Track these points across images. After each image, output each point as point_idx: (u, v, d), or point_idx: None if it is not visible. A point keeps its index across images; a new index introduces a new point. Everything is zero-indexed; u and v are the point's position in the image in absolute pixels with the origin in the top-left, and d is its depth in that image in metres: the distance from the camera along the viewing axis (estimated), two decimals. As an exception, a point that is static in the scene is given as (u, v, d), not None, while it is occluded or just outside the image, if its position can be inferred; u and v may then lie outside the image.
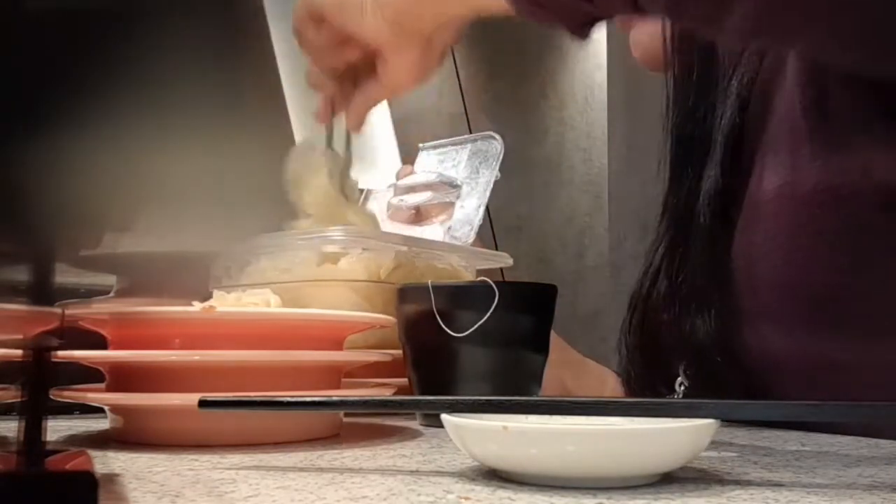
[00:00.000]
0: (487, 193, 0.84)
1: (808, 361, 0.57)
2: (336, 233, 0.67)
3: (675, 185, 0.68)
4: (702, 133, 0.66)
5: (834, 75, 0.56)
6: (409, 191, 0.88)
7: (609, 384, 0.83)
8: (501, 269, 0.84)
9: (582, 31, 0.56)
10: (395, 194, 0.89)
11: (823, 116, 0.57)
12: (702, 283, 0.63)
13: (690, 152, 0.66)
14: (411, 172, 0.91)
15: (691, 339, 0.64)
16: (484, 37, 3.43)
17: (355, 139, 0.73)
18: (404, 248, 0.71)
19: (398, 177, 0.92)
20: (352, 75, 0.69)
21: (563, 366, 0.78)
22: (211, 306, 0.48)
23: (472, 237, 0.83)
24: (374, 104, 0.70)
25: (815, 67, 0.57)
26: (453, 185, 0.86)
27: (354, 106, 0.69)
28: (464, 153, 0.88)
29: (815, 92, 0.57)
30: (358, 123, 0.70)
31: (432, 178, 0.87)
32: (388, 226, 0.87)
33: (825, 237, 0.56)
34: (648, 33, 0.69)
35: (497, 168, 0.85)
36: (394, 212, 0.88)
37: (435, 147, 0.92)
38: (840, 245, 0.56)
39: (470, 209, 0.84)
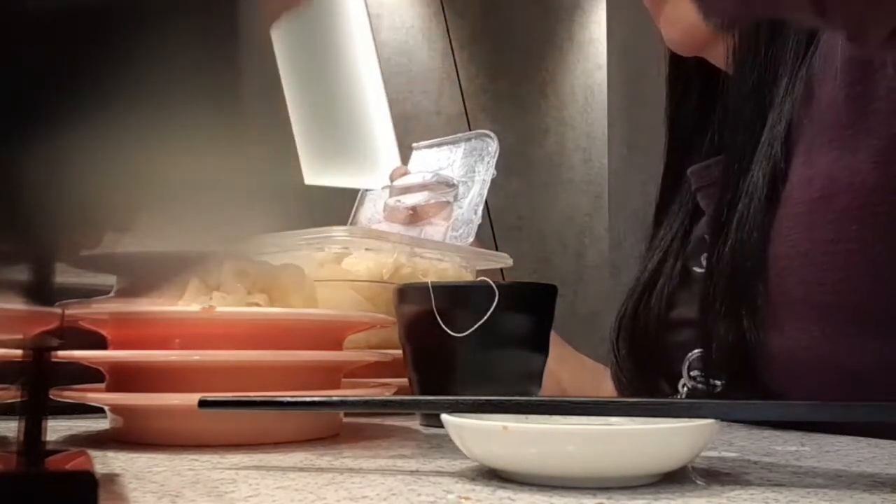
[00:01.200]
0: (485, 192, 0.84)
1: (834, 370, 0.56)
2: (339, 233, 0.67)
3: (723, 180, 0.66)
4: (755, 127, 0.64)
5: (880, 88, 0.55)
6: (405, 191, 0.88)
7: (605, 382, 0.83)
8: (501, 269, 0.84)
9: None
10: (391, 195, 0.89)
11: (867, 133, 0.56)
12: (738, 278, 0.61)
13: (741, 147, 0.64)
14: (406, 173, 0.91)
15: (707, 338, 0.63)
16: (484, 37, 3.43)
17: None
18: (407, 249, 0.71)
19: (392, 177, 0.92)
20: None
21: (559, 363, 0.78)
22: (211, 306, 0.48)
23: (471, 237, 0.83)
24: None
25: (866, 80, 0.56)
26: (450, 185, 0.86)
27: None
28: (458, 152, 0.88)
29: (863, 108, 0.56)
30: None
31: (428, 178, 0.87)
32: (385, 227, 0.87)
33: (862, 253, 0.55)
34: (689, 9, 0.66)
35: (493, 166, 0.85)
36: (390, 212, 0.88)
37: (429, 146, 0.92)
38: (877, 261, 0.55)
39: (467, 209, 0.84)
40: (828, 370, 0.57)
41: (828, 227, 0.56)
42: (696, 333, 0.66)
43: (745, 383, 0.61)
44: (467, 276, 0.76)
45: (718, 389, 0.65)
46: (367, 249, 0.69)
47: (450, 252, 0.76)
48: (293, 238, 0.68)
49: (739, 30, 0.64)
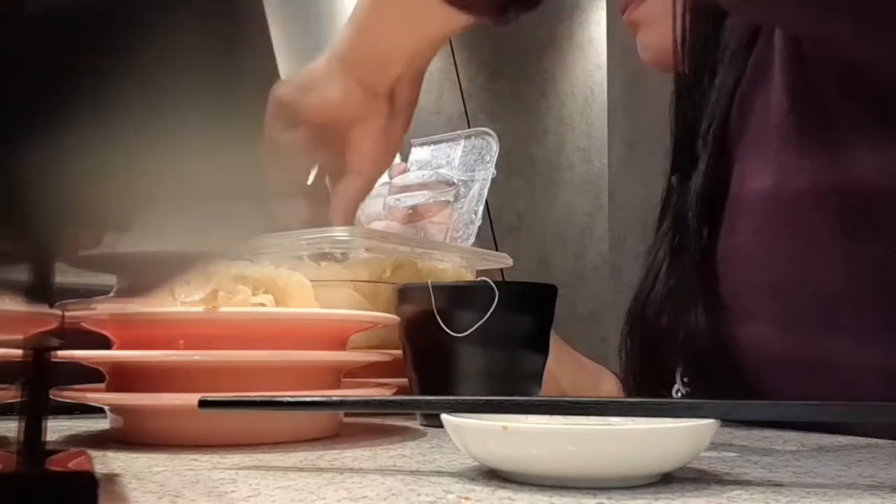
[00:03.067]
0: (485, 192, 0.84)
1: (799, 361, 0.57)
2: (339, 233, 0.67)
3: (678, 186, 0.68)
4: (698, 134, 0.66)
5: (821, 76, 0.56)
6: (405, 190, 0.88)
7: (604, 383, 0.83)
8: (501, 270, 0.84)
9: None
10: (390, 193, 0.89)
11: (810, 118, 0.57)
12: (693, 285, 0.63)
13: (690, 154, 0.66)
14: (405, 170, 0.91)
15: (687, 342, 0.64)
16: (484, 37, 3.43)
17: None
18: (406, 249, 0.71)
19: (392, 175, 0.92)
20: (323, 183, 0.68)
21: (558, 364, 0.78)
22: (214, 306, 0.48)
23: (471, 239, 0.83)
24: (355, 197, 0.69)
25: (801, 68, 0.57)
26: (449, 184, 0.86)
27: (336, 205, 0.68)
28: (457, 150, 0.88)
29: (802, 93, 0.57)
30: (347, 220, 0.70)
31: (428, 177, 0.87)
32: (384, 225, 0.87)
33: (814, 240, 0.56)
34: (657, 35, 0.68)
35: (493, 166, 0.85)
36: (390, 211, 0.88)
37: (427, 143, 0.92)
38: (829, 247, 0.56)
39: (467, 209, 0.84)
40: (795, 364, 0.57)
41: (787, 212, 0.57)
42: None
43: (726, 378, 0.61)
44: (467, 276, 0.76)
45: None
46: (366, 249, 0.69)
47: (450, 252, 0.76)
48: (293, 238, 0.68)
49: (687, 55, 0.66)
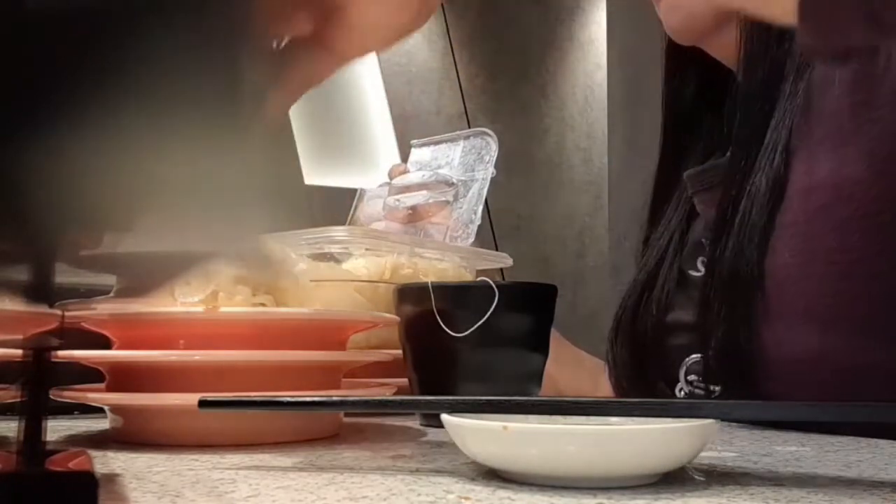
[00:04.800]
0: (484, 192, 0.84)
1: (848, 367, 0.56)
2: (339, 233, 0.67)
3: (729, 182, 0.65)
4: (761, 129, 0.63)
5: (882, 97, 0.55)
6: (404, 190, 0.88)
7: (603, 379, 0.83)
8: (501, 269, 0.84)
9: None
10: (390, 194, 0.89)
11: (872, 133, 0.56)
12: (737, 282, 0.61)
13: (746, 148, 0.63)
14: (404, 171, 0.91)
15: (719, 342, 0.62)
16: (484, 37, 3.43)
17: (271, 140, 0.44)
18: (406, 249, 0.71)
19: (391, 175, 0.92)
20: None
21: (557, 364, 0.78)
22: (214, 306, 0.48)
23: (471, 238, 0.83)
24: (315, 82, 0.41)
25: (864, 84, 0.56)
26: (449, 184, 0.86)
27: (288, 85, 0.40)
28: (456, 150, 0.88)
29: (859, 116, 0.56)
30: (283, 111, 0.43)
31: (428, 177, 0.87)
32: (384, 226, 0.87)
33: (862, 264, 0.55)
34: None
35: (492, 165, 0.85)
36: (389, 212, 0.88)
37: (427, 144, 0.92)
38: (878, 272, 0.55)
39: (467, 209, 0.84)
40: (826, 381, 0.56)
41: (829, 238, 0.56)
42: (693, 338, 0.66)
43: (743, 389, 0.61)
44: (467, 276, 0.76)
45: (716, 395, 0.64)
46: (367, 249, 0.69)
47: (450, 252, 0.76)
48: (293, 238, 0.68)
49: (748, 24, 0.63)
